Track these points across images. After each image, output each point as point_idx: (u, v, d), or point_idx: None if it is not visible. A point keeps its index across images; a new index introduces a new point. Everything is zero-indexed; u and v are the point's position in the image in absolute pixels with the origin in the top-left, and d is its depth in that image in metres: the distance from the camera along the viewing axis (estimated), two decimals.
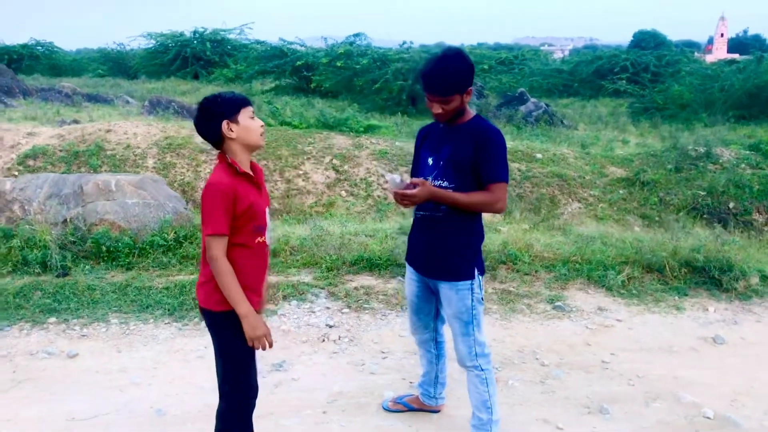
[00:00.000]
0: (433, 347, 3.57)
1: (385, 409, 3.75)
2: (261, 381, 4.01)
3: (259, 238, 2.73)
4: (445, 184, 3.05)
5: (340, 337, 4.71)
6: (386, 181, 3.22)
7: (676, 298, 5.56)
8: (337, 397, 3.89)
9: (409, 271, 3.40)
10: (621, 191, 10.18)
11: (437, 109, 3.00)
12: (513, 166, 10.40)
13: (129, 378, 4.08)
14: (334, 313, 5.08)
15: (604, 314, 5.24)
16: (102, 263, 5.67)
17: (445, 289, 3.16)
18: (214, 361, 2.85)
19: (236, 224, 2.63)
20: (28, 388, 3.93)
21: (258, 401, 3.72)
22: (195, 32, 32.62)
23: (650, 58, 28.20)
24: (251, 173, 2.73)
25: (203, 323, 4.76)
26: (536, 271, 5.96)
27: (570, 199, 9.89)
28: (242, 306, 2.62)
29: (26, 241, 5.64)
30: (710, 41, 72.62)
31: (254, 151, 2.77)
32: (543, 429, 3.62)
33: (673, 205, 9.66)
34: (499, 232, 6.98)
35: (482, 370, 3.22)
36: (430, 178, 3.08)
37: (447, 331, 3.48)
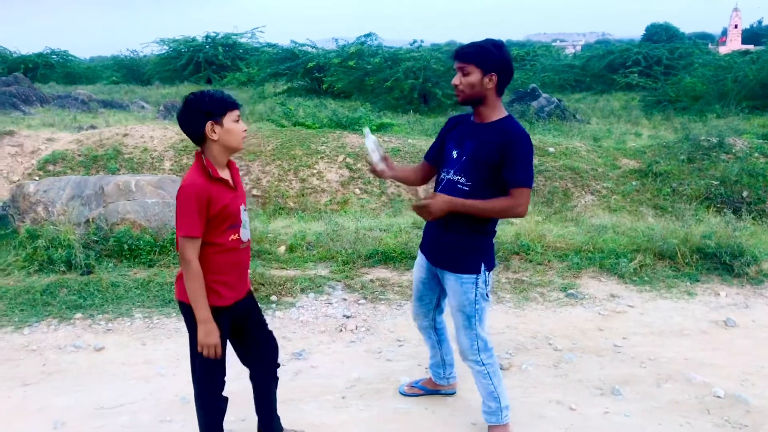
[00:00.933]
0: (433, 334, 3.65)
1: (401, 393, 3.86)
2: (281, 369, 4.15)
3: (232, 236, 2.79)
4: (463, 180, 3.04)
5: (357, 326, 4.83)
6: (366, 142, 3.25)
7: (688, 283, 5.63)
8: (355, 383, 4.00)
9: (420, 257, 3.47)
10: (634, 183, 10.22)
11: (455, 80, 3.01)
12: None
13: (154, 369, 4.21)
14: (351, 305, 5.20)
15: (617, 301, 5.32)
16: (124, 261, 5.84)
17: (451, 281, 3.20)
18: (225, 350, 2.96)
19: (210, 225, 2.70)
20: (58, 379, 4.08)
21: (279, 388, 3.87)
22: (207, 37, 32.95)
23: (663, 51, 28.11)
24: (227, 177, 2.77)
25: None
26: (549, 261, 6.05)
27: (583, 192, 9.95)
28: (202, 312, 2.70)
29: (51, 241, 5.80)
30: (724, 33, 72.05)
31: (233, 154, 2.82)
32: (556, 410, 3.71)
33: (686, 195, 9.69)
34: (512, 224, 7.06)
35: (484, 364, 3.26)
36: (451, 172, 3.10)
37: (446, 318, 3.60)
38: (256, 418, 3.32)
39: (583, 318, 5.02)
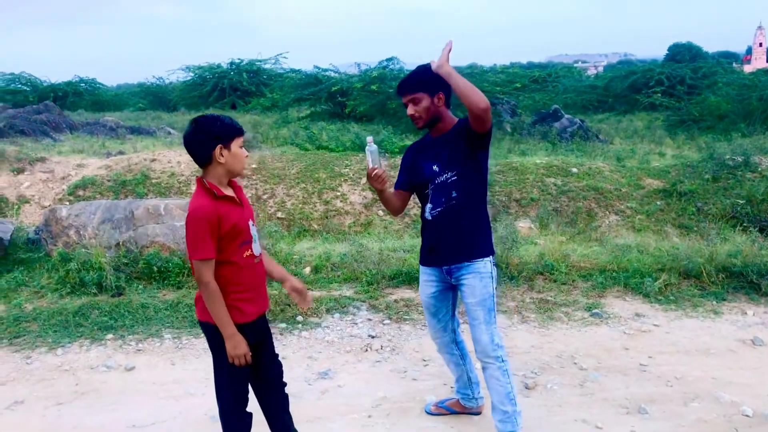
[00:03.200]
0: (455, 348, 3.68)
1: (427, 412, 3.89)
2: (308, 388, 4.22)
3: (246, 252, 2.86)
4: (450, 174, 3.26)
5: (382, 346, 4.87)
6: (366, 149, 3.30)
7: (714, 302, 5.60)
8: (381, 402, 4.04)
9: (425, 273, 3.53)
10: (658, 202, 10.16)
11: (410, 111, 3.32)
12: (548, 181, 10.49)
13: (183, 388, 4.29)
14: (376, 325, 5.25)
15: (642, 320, 5.31)
16: (154, 283, 5.96)
17: (469, 279, 3.30)
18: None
19: (222, 244, 2.76)
20: (91, 398, 4.17)
21: (306, 406, 3.93)
22: (231, 63, 33.43)
23: (686, 71, 27.96)
24: (231, 194, 2.84)
25: None
26: (573, 281, 6.06)
27: (607, 212, 9.92)
28: (227, 328, 2.78)
29: (83, 263, 5.95)
30: (748, 51, 71.50)
31: (235, 177, 2.89)
32: (582, 429, 3.71)
33: (711, 215, 9.61)
34: (536, 244, 7.08)
35: (503, 361, 3.33)
36: (439, 179, 3.30)
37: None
38: None
39: (609, 337, 5.02)
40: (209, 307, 2.78)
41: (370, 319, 5.36)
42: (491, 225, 3.47)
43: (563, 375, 4.39)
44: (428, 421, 3.80)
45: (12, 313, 5.40)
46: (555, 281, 6.06)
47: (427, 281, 3.53)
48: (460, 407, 3.84)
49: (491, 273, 3.31)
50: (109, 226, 6.38)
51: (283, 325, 5.24)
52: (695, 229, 9.09)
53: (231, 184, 2.91)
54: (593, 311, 5.46)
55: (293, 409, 3.92)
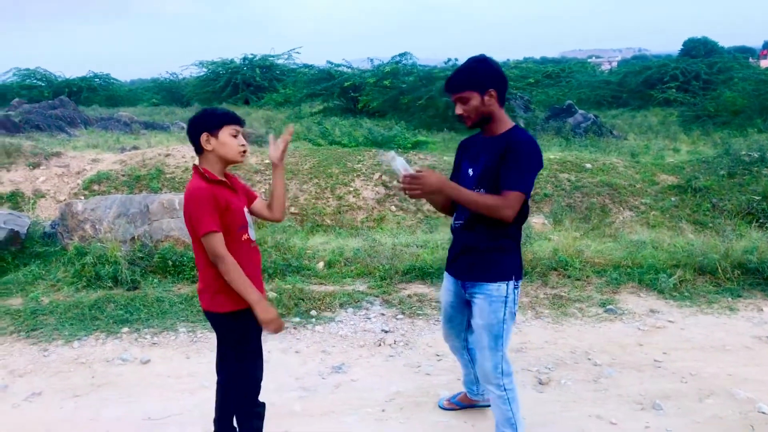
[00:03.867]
0: (466, 354, 3.61)
1: (441, 407, 3.89)
2: (321, 382, 4.24)
3: (244, 236, 2.92)
4: (482, 191, 3.00)
5: (395, 341, 4.88)
6: (385, 164, 3.05)
7: (730, 299, 5.57)
8: (395, 397, 4.04)
9: (446, 280, 3.40)
10: (673, 198, 10.11)
11: (458, 110, 3.04)
12: (562, 176, 10.46)
13: (198, 382, 4.31)
14: (389, 319, 5.26)
15: (656, 316, 5.29)
16: (169, 277, 6.00)
17: (480, 299, 3.10)
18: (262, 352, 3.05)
19: (222, 225, 2.81)
20: (107, 391, 4.20)
21: (319, 400, 3.95)
22: (245, 59, 33.57)
23: (701, 66, 27.77)
24: (224, 179, 2.92)
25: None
26: (587, 276, 6.05)
27: (621, 208, 9.88)
28: (253, 294, 2.78)
29: (98, 257, 5.99)
30: (765, 46, 70.85)
31: (230, 165, 2.96)
32: (597, 424, 3.70)
33: (726, 211, 9.55)
34: (550, 240, 7.06)
35: (505, 389, 3.15)
36: (470, 187, 3.03)
37: None
38: (299, 430, 3.38)
39: (623, 333, 5.00)
40: (230, 279, 2.77)
41: (383, 314, 5.37)
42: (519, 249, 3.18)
43: (577, 371, 4.38)
44: (442, 416, 3.80)
45: (29, 306, 5.45)
46: (569, 277, 6.05)
47: (447, 289, 3.40)
48: (468, 400, 3.84)
49: (505, 298, 3.05)
50: (124, 220, 6.43)
51: (297, 319, 5.26)
52: (710, 225, 9.04)
53: (226, 176, 2.99)
54: (607, 307, 5.44)
55: (308, 402, 3.96)
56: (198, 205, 2.76)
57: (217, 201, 2.79)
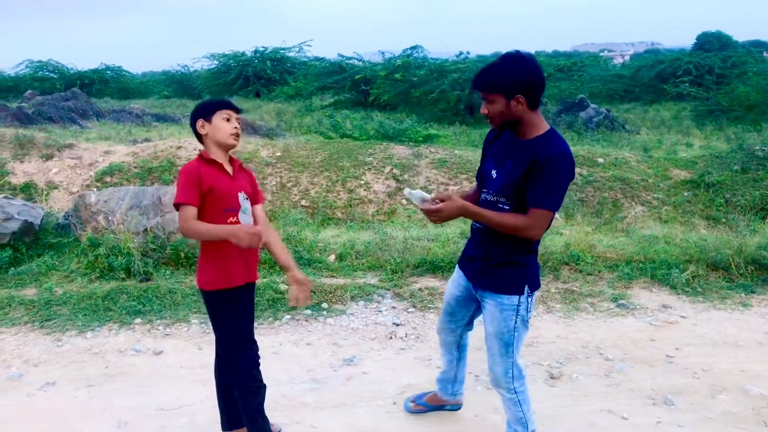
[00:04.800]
0: (455, 350, 3.54)
1: (407, 410, 3.77)
2: (333, 374, 4.26)
3: (231, 218, 3.00)
4: (503, 200, 2.85)
5: (406, 334, 4.89)
6: (407, 198, 3.06)
7: (743, 295, 5.54)
8: (406, 389, 4.05)
9: (458, 274, 3.29)
10: (685, 193, 10.06)
11: (483, 109, 2.85)
12: (575, 170, 10.42)
13: (210, 373, 4.28)
14: (400, 313, 5.26)
15: (669, 311, 5.27)
16: (181, 269, 6.03)
17: (491, 306, 3.01)
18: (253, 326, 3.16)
19: (206, 203, 2.93)
20: (120, 381, 4.23)
21: (331, 392, 3.96)
22: (256, 52, 33.59)
23: (715, 60, 27.55)
24: (221, 161, 3.04)
25: (276, 322, 5.04)
26: (599, 271, 6.03)
27: (633, 203, 9.84)
28: (223, 230, 2.81)
29: (111, 249, 6.03)
30: None
31: (228, 149, 3.08)
32: (608, 419, 3.70)
33: (740, 206, 9.49)
34: (562, 234, 7.05)
35: (516, 392, 3.08)
36: (492, 193, 2.92)
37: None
38: (310, 422, 3.39)
39: (635, 328, 4.98)
40: (198, 235, 2.87)
41: (394, 307, 5.38)
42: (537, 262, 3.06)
43: (589, 365, 4.38)
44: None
45: (43, 297, 5.49)
46: (580, 271, 6.03)
47: (457, 282, 3.29)
48: (436, 400, 3.75)
49: (516, 307, 2.94)
50: (137, 212, 6.46)
51: (309, 311, 5.27)
52: (723, 220, 8.99)
53: (232, 162, 3.13)
54: (619, 302, 5.42)
55: (319, 394, 3.98)
56: (181, 179, 2.91)
57: (201, 178, 2.91)
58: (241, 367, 3.14)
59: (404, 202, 9.76)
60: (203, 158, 3.01)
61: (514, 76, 2.72)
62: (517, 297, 2.94)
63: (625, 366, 4.33)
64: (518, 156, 2.80)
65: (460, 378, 3.68)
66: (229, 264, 3.00)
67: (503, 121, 2.82)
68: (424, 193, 2.86)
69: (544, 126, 2.83)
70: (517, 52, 2.79)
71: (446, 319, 3.42)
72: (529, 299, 2.98)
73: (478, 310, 3.27)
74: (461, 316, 3.37)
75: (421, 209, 2.83)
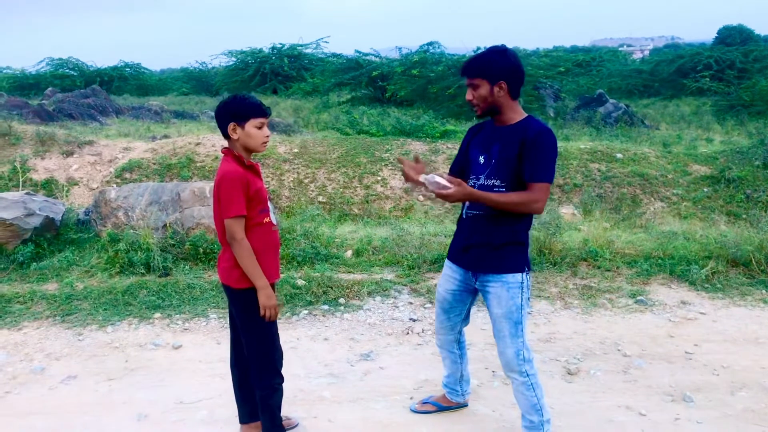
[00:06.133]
0: (456, 348, 3.57)
1: (413, 411, 3.76)
2: (350, 369, 4.28)
3: (265, 219, 3.08)
4: (498, 182, 3.01)
5: (423, 330, 4.89)
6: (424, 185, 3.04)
7: (763, 291, 5.48)
8: (422, 384, 4.06)
9: (449, 269, 3.36)
10: (705, 189, 9.96)
11: (468, 95, 3.08)
12: (592, 166, 10.36)
13: (229, 367, 4.37)
14: (417, 308, 5.27)
15: (688, 307, 5.23)
16: (200, 264, 6.08)
17: (496, 288, 3.10)
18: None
19: (248, 207, 2.98)
20: (140, 375, 4.28)
21: (348, 387, 3.98)
22: (273, 48, 33.64)
23: (736, 54, 27.17)
24: (253, 163, 3.08)
25: (294, 317, 5.06)
26: (617, 267, 6.00)
27: (652, 199, 9.75)
28: (260, 279, 3.00)
29: (131, 244, 6.10)
30: None
31: (253, 153, 3.10)
32: (626, 415, 3.68)
33: (761, 202, 9.37)
34: (580, 230, 7.01)
35: (528, 375, 3.15)
36: (482, 177, 3.07)
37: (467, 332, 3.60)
38: (328, 416, 3.41)
39: (653, 324, 4.95)
40: (243, 262, 2.97)
41: (411, 303, 5.39)
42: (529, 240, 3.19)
43: (606, 361, 4.36)
44: (470, 404, 3.81)
45: (64, 292, 5.57)
46: (599, 268, 6.00)
47: (450, 277, 3.35)
48: (447, 401, 3.75)
49: (521, 284, 3.08)
50: (156, 208, 6.52)
51: (326, 307, 5.30)
52: (744, 216, 8.89)
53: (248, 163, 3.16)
54: (637, 298, 5.39)
55: (337, 389, 4.00)
56: (231, 188, 2.92)
57: (248, 186, 2.96)
58: (268, 363, 3.17)
59: (421, 198, 9.75)
60: (242, 162, 3.00)
61: (498, 63, 2.99)
62: (521, 275, 3.08)
63: (644, 362, 4.31)
64: (505, 139, 3.02)
65: (466, 376, 3.71)
66: (261, 261, 3.04)
67: (486, 107, 3.05)
68: (439, 178, 2.94)
69: (523, 113, 3.09)
70: (503, 45, 3.08)
71: (444, 317, 3.48)
72: (529, 278, 3.14)
73: (473, 301, 3.41)
74: (458, 311, 3.43)
75: (435, 192, 2.93)
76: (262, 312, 3.02)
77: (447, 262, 3.40)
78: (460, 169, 3.30)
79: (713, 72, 25.85)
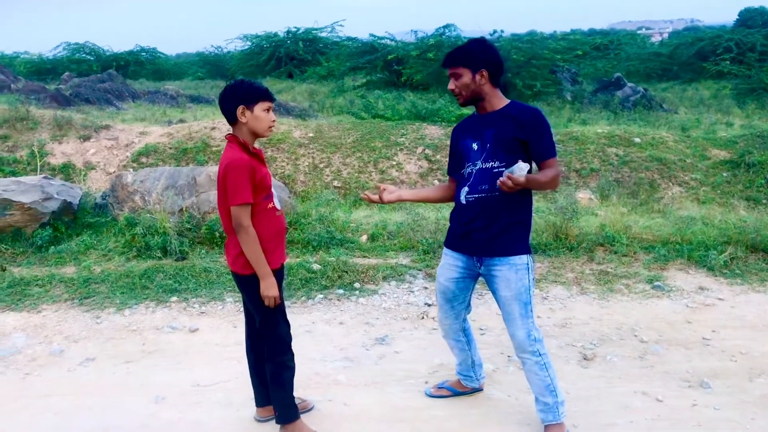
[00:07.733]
0: (462, 336, 3.57)
1: (428, 395, 3.76)
2: (365, 353, 4.29)
3: (269, 204, 3.10)
4: (497, 163, 3.05)
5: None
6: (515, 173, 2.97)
7: None
8: (437, 369, 4.06)
9: (450, 257, 3.36)
10: (724, 174, 9.84)
11: (450, 85, 3.17)
12: (610, 151, 10.27)
13: (244, 350, 4.39)
14: (432, 293, 5.27)
15: (705, 293, 5.18)
16: (216, 248, 6.11)
17: (503, 271, 3.12)
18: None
19: (254, 194, 3.00)
20: (157, 358, 4.32)
21: (363, 371, 3.99)
22: (288, 32, 33.53)
23: (757, 37, 26.70)
24: (258, 149, 3.10)
25: (309, 301, 5.07)
26: (635, 252, 5.95)
27: (670, 183, 9.66)
28: (263, 269, 3.03)
29: (148, 228, 6.13)
30: None
31: (259, 138, 3.12)
32: (642, 400, 3.66)
33: None
34: (596, 215, 6.96)
35: (540, 355, 3.17)
36: (479, 162, 3.11)
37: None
38: (343, 400, 3.41)
39: (671, 310, 4.92)
40: (247, 250, 3.00)
41: (426, 288, 5.38)
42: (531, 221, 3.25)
43: (623, 347, 4.33)
44: (485, 388, 3.80)
45: (82, 275, 5.62)
46: (615, 253, 5.96)
47: (452, 265, 3.34)
48: (462, 387, 3.76)
49: (527, 264, 3.13)
50: (172, 192, 6.54)
51: (341, 291, 5.30)
52: (764, 201, 8.79)
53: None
54: (655, 284, 5.35)
55: (352, 372, 4.01)
56: (238, 175, 2.93)
57: (254, 173, 2.97)
58: (278, 340, 3.21)
59: (436, 182, 9.72)
60: (247, 149, 3.01)
61: (479, 53, 3.11)
62: (526, 256, 3.14)
63: (660, 348, 4.28)
64: (497, 124, 3.10)
65: (478, 361, 3.71)
66: (266, 248, 3.06)
67: (469, 95, 3.14)
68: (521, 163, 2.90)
69: (505, 99, 3.19)
70: (482, 37, 3.26)
71: (447, 306, 3.47)
72: (532, 258, 3.20)
73: (474, 286, 3.43)
74: (462, 299, 3.43)
75: (519, 178, 2.86)
76: (264, 301, 3.07)
77: (446, 250, 3.40)
78: (457, 166, 3.33)
79: (734, 55, 25.44)
